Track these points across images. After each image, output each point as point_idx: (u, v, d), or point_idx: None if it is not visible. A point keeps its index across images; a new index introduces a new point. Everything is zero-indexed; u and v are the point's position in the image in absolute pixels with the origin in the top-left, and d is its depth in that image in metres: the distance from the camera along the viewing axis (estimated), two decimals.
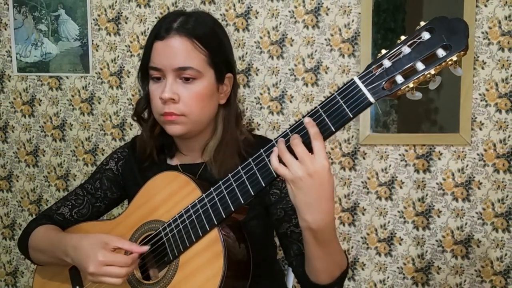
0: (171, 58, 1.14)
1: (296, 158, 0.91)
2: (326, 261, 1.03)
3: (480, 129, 1.77)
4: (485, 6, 1.73)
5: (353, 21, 1.80)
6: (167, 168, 1.26)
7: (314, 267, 1.05)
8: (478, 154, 1.78)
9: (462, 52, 0.85)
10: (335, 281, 1.07)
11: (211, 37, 1.19)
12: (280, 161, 0.93)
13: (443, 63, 0.85)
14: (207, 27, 1.19)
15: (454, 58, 0.85)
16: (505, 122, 1.76)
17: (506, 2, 1.72)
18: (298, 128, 0.94)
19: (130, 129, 1.98)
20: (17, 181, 2.10)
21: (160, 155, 1.29)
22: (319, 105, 0.93)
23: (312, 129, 0.91)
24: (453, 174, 1.80)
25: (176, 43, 1.15)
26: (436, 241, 1.84)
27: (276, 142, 0.95)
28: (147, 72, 1.20)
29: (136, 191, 1.21)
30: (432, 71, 0.86)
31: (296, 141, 0.91)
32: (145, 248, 1.12)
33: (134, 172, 1.33)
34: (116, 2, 1.95)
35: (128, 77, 1.96)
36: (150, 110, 1.25)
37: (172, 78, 1.15)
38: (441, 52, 0.85)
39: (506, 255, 1.80)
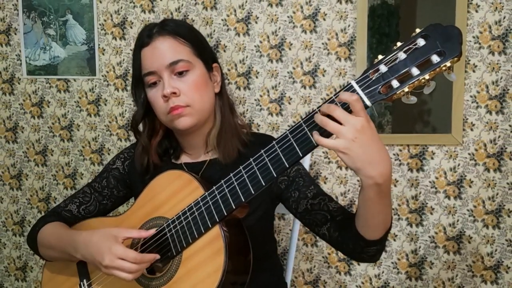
0: (161, 57, 1.17)
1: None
2: (385, 213, 0.98)
3: (471, 129, 1.77)
4: (476, 11, 1.73)
5: (349, 26, 1.80)
6: (172, 167, 1.26)
7: (373, 224, 0.99)
8: (469, 154, 1.78)
9: (455, 58, 0.85)
10: (388, 230, 1.02)
11: (191, 34, 1.23)
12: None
13: (438, 69, 0.85)
14: (185, 27, 1.25)
15: (448, 64, 0.85)
16: (495, 123, 1.76)
17: (496, 7, 1.72)
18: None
19: None
20: (27, 179, 2.10)
21: (164, 158, 1.29)
22: (318, 107, 0.93)
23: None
24: (445, 173, 1.80)
25: (161, 42, 1.18)
26: (429, 237, 1.84)
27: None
28: (141, 83, 1.22)
29: (142, 189, 1.22)
30: (427, 76, 0.86)
31: (333, 106, 0.88)
32: (152, 231, 1.12)
33: (139, 171, 1.33)
34: (121, 7, 1.95)
35: None
36: (145, 121, 1.26)
37: (167, 75, 1.17)
38: (435, 58, 0.85)
39: (496, 250, 1.80)
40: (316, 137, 0.90)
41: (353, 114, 0.87)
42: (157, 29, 1.20)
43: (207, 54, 1.24)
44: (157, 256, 1.10)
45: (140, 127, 1.30)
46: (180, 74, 1.18)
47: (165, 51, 1.17)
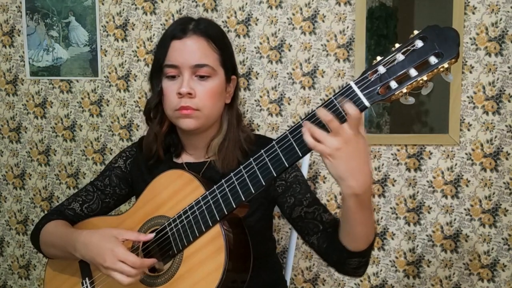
0: (189, 55, 1.17)
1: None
2: (366, 225, 1.00)
3: (468, 130, 1.77)
4: (473, 13, 1.73)
5: (348, 27, 1.80)
6: (173, 166, 1.27)
7: (355, 235, 1.01)
8: (466, 154, 1.78)
9: (453, 60, 0.85)
10: (370, 245, 1.04)
11: (221, 38, 1.23)
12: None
13: (435, 70, 0.85)
14: (217, 29, 1.25)
15: (446, 65, 0.85)
16: (491, 123, 1.76)
17: (493, 9, 1.72)
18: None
19: (137, 130, 1.98)
20: (30, 179, 2.10)
21: (166, 154, 1.30)
22: (317, 108, 0.93)
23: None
24: (442, 173, 1.80)
25: (193, 41, 1.18)
26: (427, 236, 1.84)
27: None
28: (160, 71, 1.21)
29: (143, 187, 1.22)
30: (425, 78, 0.86)
31: (327, 115, 0.90)
32: (150, 236, 1.12)
33: (141, 169, 1.33)
34: (123, 9, 1.95)
35: (135, 80, 1.96)
36: (158, 109, 1.25)
37: (188, 74, 1.17)
38: (433, 60, 0.85)
39: (492, 249, 1.80)
40: (308, 138, 0.91)
41: (344, 124, 0.89)
42: (193, 27, 1.19)
43: (230, 65, 1.25)
44: (155, 261, 1.10)
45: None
46: (201, 77, 1.18)
47: (195, 51, 1.17)
